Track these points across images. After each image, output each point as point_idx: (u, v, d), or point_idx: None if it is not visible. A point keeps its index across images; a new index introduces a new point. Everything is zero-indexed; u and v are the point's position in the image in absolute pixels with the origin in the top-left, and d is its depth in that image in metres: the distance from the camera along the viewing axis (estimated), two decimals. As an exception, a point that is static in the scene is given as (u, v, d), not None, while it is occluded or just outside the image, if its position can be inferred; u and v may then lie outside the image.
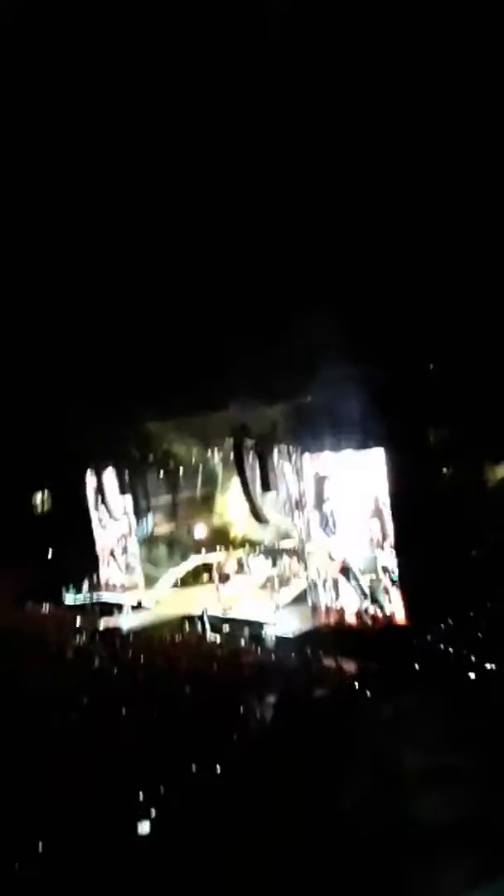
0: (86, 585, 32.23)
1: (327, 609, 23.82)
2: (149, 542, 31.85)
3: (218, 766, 13.93)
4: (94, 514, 33.16)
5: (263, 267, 26.06)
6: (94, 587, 32.47)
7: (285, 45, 22.44)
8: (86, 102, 25.00)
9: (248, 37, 23.01)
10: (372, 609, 22.34)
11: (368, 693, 16.81)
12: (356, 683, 17.52)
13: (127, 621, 26.72)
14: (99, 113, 25.29)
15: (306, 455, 24.34)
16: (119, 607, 28.79)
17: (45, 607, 30.66)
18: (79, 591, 31.65)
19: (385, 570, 22.06)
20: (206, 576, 29.99)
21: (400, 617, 21.82)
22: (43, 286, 29.55)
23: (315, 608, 24.39)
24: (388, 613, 22.02)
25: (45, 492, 36.83)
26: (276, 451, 27.09)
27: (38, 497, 36.85)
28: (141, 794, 13.17)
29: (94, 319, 29.50)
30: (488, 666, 17.13)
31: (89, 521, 33.20)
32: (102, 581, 32.84)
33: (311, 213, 25.14)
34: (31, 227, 28.44)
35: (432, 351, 25.10)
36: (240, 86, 23.72)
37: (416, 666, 17.96)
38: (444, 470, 24.84)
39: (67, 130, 25.91)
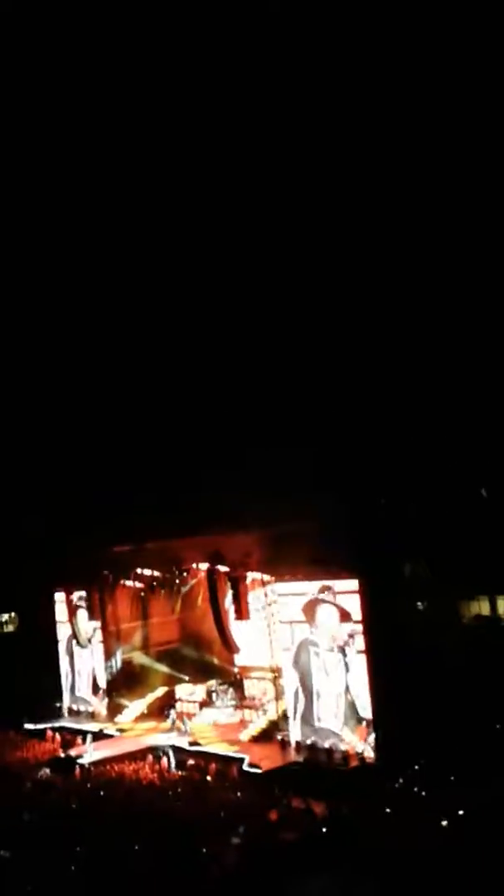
0: (49, 711, 31.25)
1: (297, 745, 23.10)
2: (116, 668, 31.04)
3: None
4: (61, 638, 32.45)
5: (239, 398, 26.74)
6: (57, 713, 31.47)
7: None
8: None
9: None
10: (343, 747, 21.66)
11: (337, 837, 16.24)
12: (325, 827, 16.91)
13: (89, 750, 25.71)
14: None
15: (280, 584, 24.15)
16: (82, 735, 27.74)
17: (5, 733, 29.63)
18: (41, 716, 30.59)
19: (358, 706, 21.54)
20: (173, 705, 29.10)
21: (371, 757, 21.13)
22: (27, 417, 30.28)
23: (284, 743, 23.68)
24: (359, 752, 21.34)
25: (12, 614, 36.10)
26: (249, 578, 26.82)
27: (4, 618, 36.11)
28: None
29: (70, 442, 29.95)
30: (460, 811, 16.62)
31: (55, 645, 32.43)
32: (66, 707, 31.86)
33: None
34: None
35: (407, 483, 25.37)
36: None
37: (388, 809, 17.41)
38: (419, 604, 24.59)
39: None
